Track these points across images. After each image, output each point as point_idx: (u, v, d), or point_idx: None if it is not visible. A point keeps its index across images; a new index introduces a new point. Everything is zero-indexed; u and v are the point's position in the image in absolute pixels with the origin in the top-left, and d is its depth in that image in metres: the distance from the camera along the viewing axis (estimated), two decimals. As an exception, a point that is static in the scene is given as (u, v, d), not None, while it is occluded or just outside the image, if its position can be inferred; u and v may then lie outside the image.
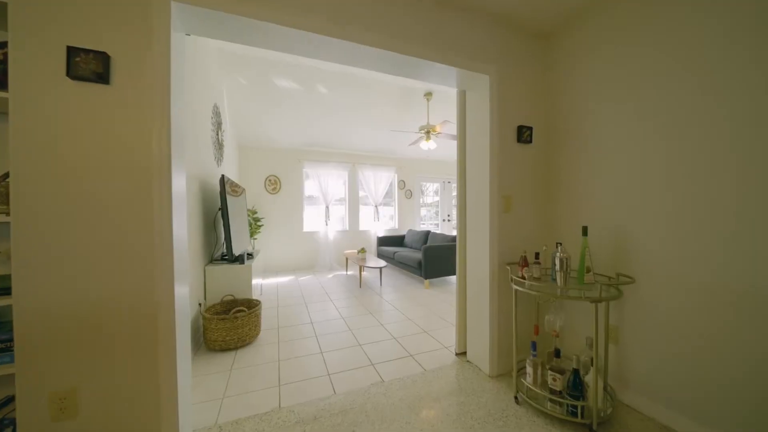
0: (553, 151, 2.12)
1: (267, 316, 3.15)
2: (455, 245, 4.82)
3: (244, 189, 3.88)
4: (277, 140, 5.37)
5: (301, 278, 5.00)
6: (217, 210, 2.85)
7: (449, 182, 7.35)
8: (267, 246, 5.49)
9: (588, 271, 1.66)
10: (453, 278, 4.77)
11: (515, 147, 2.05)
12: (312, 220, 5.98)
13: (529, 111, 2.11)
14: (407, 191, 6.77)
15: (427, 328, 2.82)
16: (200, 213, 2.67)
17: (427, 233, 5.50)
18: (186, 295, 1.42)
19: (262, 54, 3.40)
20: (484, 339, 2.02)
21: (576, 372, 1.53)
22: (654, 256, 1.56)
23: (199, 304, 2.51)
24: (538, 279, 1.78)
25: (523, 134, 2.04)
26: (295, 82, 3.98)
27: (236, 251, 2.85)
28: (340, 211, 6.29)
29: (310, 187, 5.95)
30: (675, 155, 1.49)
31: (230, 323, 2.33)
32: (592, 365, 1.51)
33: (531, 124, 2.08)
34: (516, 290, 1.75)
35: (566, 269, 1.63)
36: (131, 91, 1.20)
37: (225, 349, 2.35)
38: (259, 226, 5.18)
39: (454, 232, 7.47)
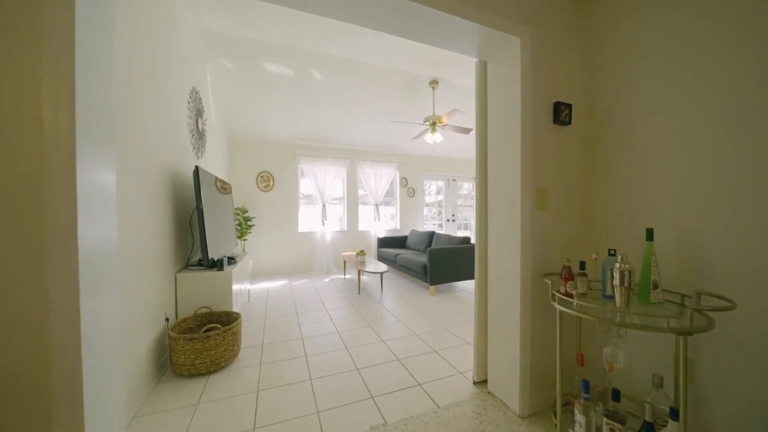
0: (595, 134, 1.71)
1: (251, 329, 2.75)
2: (464, 248, 4.50)
3: (230, 185, 3.48)
4: (269, 133, 4.96)
5: (296, 283, 4.60)
6: (194, 208, 2.45)
7: (454, 180, 6.95)
8: (259, 248, 5.09)
9: (655, 287, 1.26)
10: (461, 284, 4.37)
11: (551, 129, 1.66)
12: (308, 219, 5.58)
13: (568, 85, 1.71)
14: (409, 189, 6.37)
15: (437, 345, 2.42)
16: (171, 211, 2.27)
17: (432, 234, 5.10)
18: (112, 326, 1.02)
19: (249, 34, 3.00)
20: (512, 368, 1.62)
21: (649, 427, 1.13)
22: (756, 274, 1.16)
23: (166, 319, 2.11)
24: (584, 295, 1.38)
25: (561, 113, 1.64)
26: (287, 68, 3.58)
27: (215, 255, 2.45)
28: (338, 211, 5.89)
29: (305, 185, 5.55)
30: (787, 132, 1.09)
31: (200, 344, 1.92)
32: (671, 418, 1.11)
33: (570, 101, 1.68)
34: (561, 311, 1.35)
35: (629, 285, 1.23)
36: (18, 34, 0.80)
37: (195, 374, 1.95)
38: (250, 226, 4.78)
39: (459, 233, 7.07)
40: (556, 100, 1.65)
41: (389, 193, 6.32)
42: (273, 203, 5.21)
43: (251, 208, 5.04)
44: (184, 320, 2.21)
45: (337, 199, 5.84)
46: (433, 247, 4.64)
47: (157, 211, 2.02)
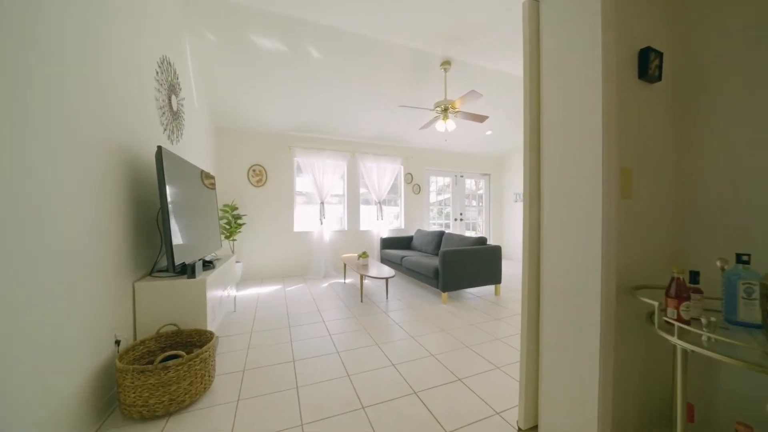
0: (693, 95, 1.26)
1: (233, 347, 2.28)
2: (481, 249, 3.72)
3: (214, 178, 3.01)
4: (262, 122, 4.49)
5: (290, 288, 4.12)
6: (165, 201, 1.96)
7: (461, 176, 6.48)
8: (249, 249, 4.61)
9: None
10: (475, 291, 3.90)
11: (635, 86, 1.20)
12: (304, 218, 5.11)
13: (656, 26, 1.25)
14: (415, 186, 5.91)
15: (460, 371, 1.95)
16: (128, 203, 1.80)
17: (441, 234, 4.64)
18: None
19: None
20: (582, 415, 1.15)
21: None
22: None
23: (116, 342, 1.64)
24: (695, 320, 0.93)
25: (650, 64, 1.18)
26: (280, 42, 3.12)
27: (187, 258, 1.98)
28: (337, 209, 5.42)
29: (302, 179, 5.08)
30: None
31: (156, 378, 1.45)
32: None
33: (661, 48, 1.22)
34: (680, 347, 0.89)
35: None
36: None
37: (149, 417, 1.47)
38: (240, 225, 4.31)
39: (467, 233, 6.61)
40: (643, 46, 1.19)
41: (393, 189, 5.85)
42: (266, 199, 4.74)
43: (242, 205, 4.57)
44: (143, 342, 1.74)
45: (336, 196, 5.37)
46: (443, 248, 4.18)
47: (103, 202, 1.55)
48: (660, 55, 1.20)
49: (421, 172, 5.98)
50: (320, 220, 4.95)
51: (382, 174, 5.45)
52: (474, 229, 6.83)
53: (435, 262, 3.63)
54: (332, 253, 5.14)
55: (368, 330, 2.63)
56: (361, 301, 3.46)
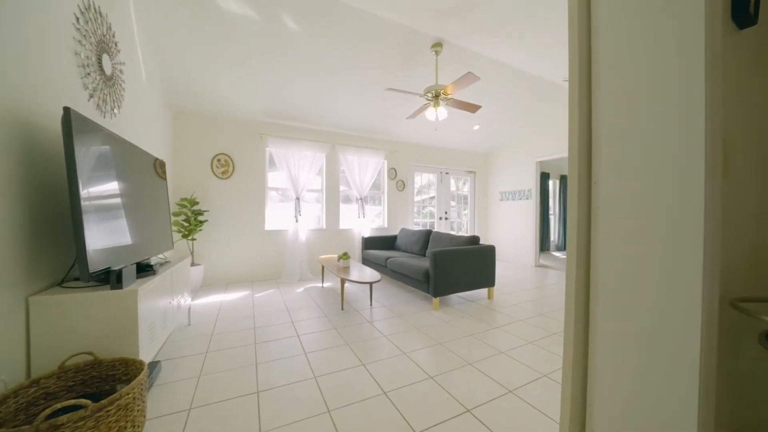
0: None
1: (178, 378, 1.79)
2: (475, 250, 3.32)
3: (163, 162, 2.48)
4: (228, 105, 3.94)
5: (259, 294, 3.62)
6: (74, 184, 1.43)
7: (447, 173, 6.22)
8: (212, 250, 4.04)
9: None
10: (466, 295, 3.59)
11: (728, 33, 0.89)
12: (277, 214, 4.60)
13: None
14: (399, 182, 5.55)
15: (467, 398, 1.60)
16: (17, 187, 1.28)
17: (428, 233, 4.31)
18: None
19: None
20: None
21: None
22: None
23: (-10, 386, 1.12)
24: None
25: (747, 3, 0.88)
26: (249, 7, 2.63)
27: (115, 263, 1.48)
28: (315, 205, 4.95)
29: (275, 172, 4.57)
30: None
31: (39, 443, 0.97)
32: None
33: (757, -17, 0.93)
34: None
35: None
36: None
37: (30, 500, 0.98)
38: (201, 222, 3.74)
39: (452, 233, 6.36)
40: (738, -25, 0.88)
41: (375, 186, 5.47)
42: (233, 193, 4.19)
43: (204, 199, 3.99)
44: (37, 382, 1.23)
45: (314, 191, 4.90)
46: (434, 248, 3.86)
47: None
48: (756, -10, 0.91)
49: (406, 168, 5.64)
50: (295, 217, 4.46)
51: (364, 168, 5.04)
52: (459, 228, 6.60)
53: (424, 263, 3.28)
54: (309, 253, 4.66)
55: (352, 346, 2.22)
56: (342, 309, 3.04)
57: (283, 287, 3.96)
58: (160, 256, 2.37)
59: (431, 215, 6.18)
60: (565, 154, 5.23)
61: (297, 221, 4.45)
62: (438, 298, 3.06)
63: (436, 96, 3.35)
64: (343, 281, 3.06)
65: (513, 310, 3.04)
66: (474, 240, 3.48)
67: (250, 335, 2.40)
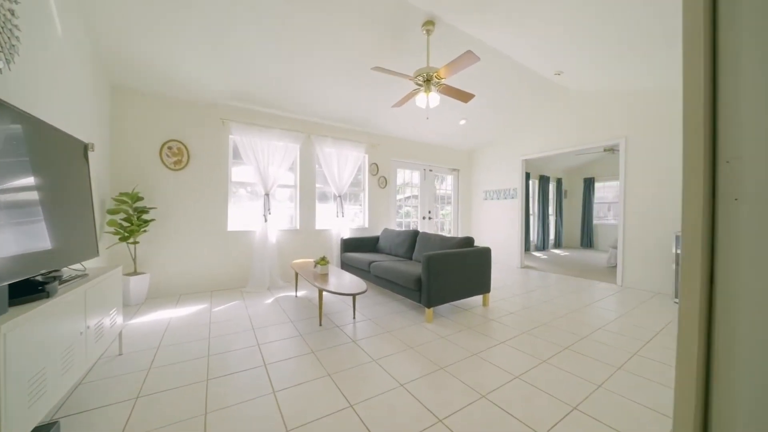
0: None
1: (89, 442, 1.25)
2: (471, 253, 2.90)
3: (86, 145, 1.88)
4: (183, 82, 3.31)
5: (219, 308, 3.04)
6: None
7: (431, 170, 5.90)
8: (161, 255, 3.39)
9: None
10: (458, 302, 3.25)
11: None
12: (243, 213, 4.01)
13: None
14: (381, 178, 5.14)
15: (493, 453, 1.22)
16: None
17: (415, 234, 3.94)
18: None
19: None
20: None
21: None
22: None
23: None
24: None
25: None
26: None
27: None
28: (287, 204, 4.40)
29: (241, 166, 3.97)
30: None
31: None
32: None
33: None
34: None
35: None
36: None
37: None
38: (146, 221, 3.09)
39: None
40: None
41: (355, 182, 5.01)
42: (188, 188, 3.55)
43: (150, 195, 3.33)
44: None
45: (286, 187, 4.35)
46: (420, 251, 3.49)
47: None
48: None
49: (388, 163, 5.24)
50: (264, 216, 3.90)
51: (343, 163, 4.57)
52: (441, 228, 6.30)
53: (415, 269, 2.89)
54: (280, 258, 4.12)
55: (335, 377, 1.77)
56: (321, 325, 2.57)
57: (250, 298, 3.40)
58: (77, 266, 1.78)
59: (408, 215, 5.80)
60: (552, 152, 5.10)
61: (266, 221, 3.89)
62: (432, 309, 2.68)
63: (428, 80, 2.98)
64: (321, 292, 2.58)
65: (513, 319, 2.74)
66: (468, 241, 3.15)
67: (202, 367, 1.87)
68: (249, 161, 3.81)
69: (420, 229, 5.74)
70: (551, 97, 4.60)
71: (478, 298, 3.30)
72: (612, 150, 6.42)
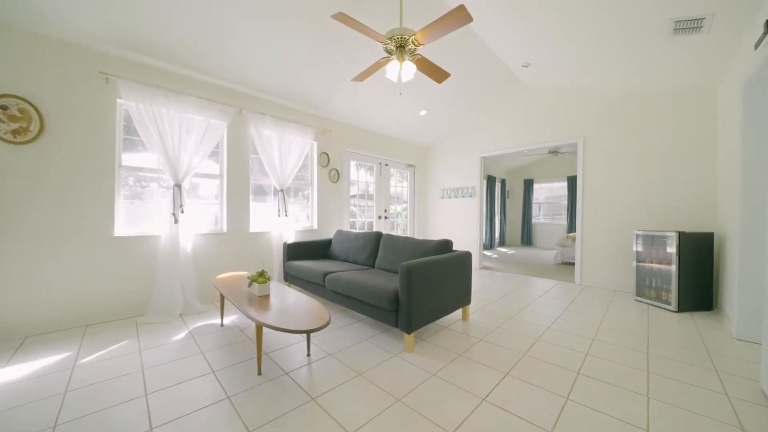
0: None
1: None
2: (452, 260, 2.14)
3: None
4: (36, 8, 2.11)
5: (94, 355, 1.98)
6: None
7: (386, 165, 5.34)
8: (-11, 276, 2.14)
9: None
10: (440, 322, 2.71)
11: None
12: (141, 211, 2.87)
13: None
14: (332, 171, 4.38)
15: None
16: None
17: (377, 237, 3.32)
18: None
19: None
20: None
21: None
22: None
23: None
24: None
25: None
26: None
27: None
28: (210, 199, 3.35)
29: (135, 143, 2.83)
30: None
31: None
32: None
33: None
34: None
35: None
36: None
37: None
38: (-54, 223, 1.85)
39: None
40: None
41: (300, 176, 4.16)
42: (42, 172, 2.33)
43: (-37, 181, 2.06)
44: None
45: (208, 177, 3.31)
46: (385, 258, 2.90)
47: None
48: None
49: (341, 154, 4.50)
50: (174, 215, 2.84)
51: (286, 149, 3.70)
52: (395, 228, 5.79)
53: (388, 282, 2.26)
54: (198, 272, 3.08)
55: (290, 488, 1.04)
56: (260, 374, 1.76)
57: (149, 333, 2.36)
58: None
59: (353, 215, 5.13)
60: (510, 150, 4.96)
61: (177, 222, 2.83)
62: (413, 334, 2.08)
63: (402, 46, 2.38)
64: (260, 328, 1.77)
65: (502, 337, 2.31)
66: (446, 246, 2.64)
67: None
68: (149, 140, 2.71)
69: (374, 230, 5.12)
70: (512, 91, 4.43)
71: (457, 312, 2.82)
72: (556, 152, 6.72)
